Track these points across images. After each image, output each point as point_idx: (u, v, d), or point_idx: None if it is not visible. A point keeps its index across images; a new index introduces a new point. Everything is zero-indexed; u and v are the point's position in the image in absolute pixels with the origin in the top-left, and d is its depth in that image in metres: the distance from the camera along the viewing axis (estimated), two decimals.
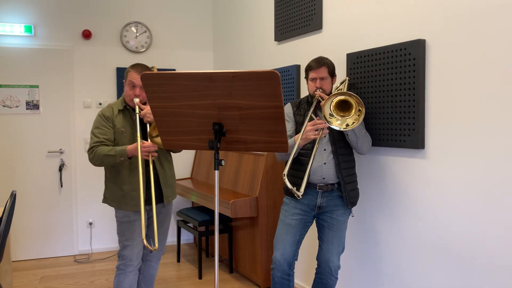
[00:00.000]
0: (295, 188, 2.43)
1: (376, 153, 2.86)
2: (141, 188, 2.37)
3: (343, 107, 2.47)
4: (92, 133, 2.67)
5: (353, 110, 2.43)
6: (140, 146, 2.47)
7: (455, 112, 2.33)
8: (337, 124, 2.45)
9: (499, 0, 2.11)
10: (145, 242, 2.22)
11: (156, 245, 2.34)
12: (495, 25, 2.13)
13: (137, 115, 2.59)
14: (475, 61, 2.22)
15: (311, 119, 2.59)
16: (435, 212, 2.47)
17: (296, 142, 2.48)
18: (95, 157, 2.59)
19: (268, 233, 3.72)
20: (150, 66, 3.79)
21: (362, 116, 2.40)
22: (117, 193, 2.69)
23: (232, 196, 3.76)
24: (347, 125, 2.43)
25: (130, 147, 2.55)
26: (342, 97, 2.44)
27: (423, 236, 2.55)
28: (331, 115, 2.47)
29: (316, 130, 2.48)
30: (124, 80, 2.71)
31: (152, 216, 2.82)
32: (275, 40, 3.91)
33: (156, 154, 2.55)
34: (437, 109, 2.43)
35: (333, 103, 2.46)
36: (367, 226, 2.95)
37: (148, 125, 2.60)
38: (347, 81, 2.90)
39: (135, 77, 2.60)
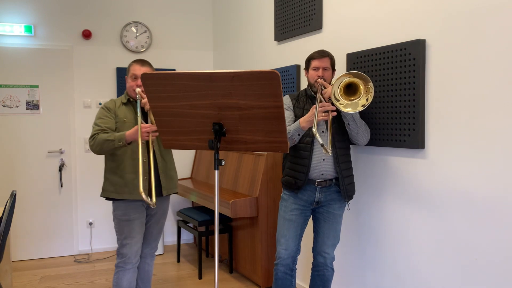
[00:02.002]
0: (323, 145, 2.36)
1: (376, 153, 2.86)
2: (140, 172, 2.32)
3: (350, 91, 2.46)
4: (95, 123, 2.71)
5: (362, 89, 2.42)
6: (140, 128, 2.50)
7: (455, 112, 2.33)
8: (348, 110, 2.44)
9: (498, 0, 2.11)
10: (143, 196, 2.14)
11: (154, 199, 2.30)
12: (495, 25, 2.13)
13: (138, 101, 2.63)
14: (475, 61, 2.22)
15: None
16: (435, 212, 2.47)
17: (301, 124, 2.52)
18: (95, 143, 2.62)
19: (268, 233, 3.72)
20: None
21: (372, 90, 2.38)
22: (118, 182, 2.70)
23: (232, 196, 3.76)
24: (363, 105, 2.41)
25: (129, 131, 2.57)
26: (347, 80, 2.41)
27: (423, 236, 2.55)
28: (338, 100, 2.45)
29: (324, 112, 2.48)
30: (126, 76, 2.79)
31: (150, 214, 2.85)
32: (275, 40, 3.91)
33: (156, 134, 2.57)
34: (437, 109, 2.43)
35: (340, 91, 2.44)
36: (367, 225, 2.95)
37: (149, 113, 2.66)
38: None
39: (137, 69, 2.72)
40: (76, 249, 4.80)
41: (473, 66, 2.23)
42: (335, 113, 2.50)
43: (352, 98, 2.45)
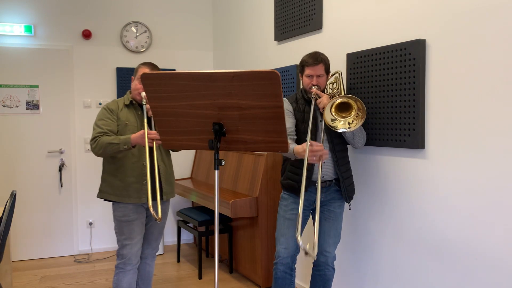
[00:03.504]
0: (309, 247, 2.35)
1: (376, 153, 2.86)
2: (148, 174, 2.41)
3: (342, 107, 2.48)
4: (96, 124, 2.70)
5: (353, 111, 2.46)
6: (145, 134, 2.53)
7: (455, 112, 2.33)
8: (341, 125, 2.46)
9: (499, 0, 2.11)
10: (151, 210, 2.27)
11: (160, 215, 2.37)
12: (495, 25, 2.13)
13: (144, 106, 2.64)
14: (475, 61, 2.22)
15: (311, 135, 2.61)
16: (435, 211, 2.47)
17: (295, 154, 2.52)
18: (97, 146, 2.60)
19: (268, 233, 3.72)
20: None
21: (363, 117, 2.41)
22: (117, 185, 2.70)
23: (232, 196, 3.76)
24: (349, 123, 2.46)
25: (134, 135, 2.58)
26: (341, 100, 2.45)
27: (423, 235, 2.55)
28: (333, 119, 2.48)
29: (315, 156, 2.40)
30: (132, 77, 2.79)
31: (150, 215, 2.85)
32: (275, 40, 3.91)
33: (160, 142, 2.58)
34: (437, 109, 2.43)
35: (333, 107, 2.46)
36: (367, 226, 2.95)
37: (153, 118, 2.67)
38: (341, 75, 2.87)
39: (146, 71, 2.68)
40: (76, 249, 4.80)
41: (473, 66, 2.23)
42: (326, 157, 2.44)
43: (344, 115, 2.49)
